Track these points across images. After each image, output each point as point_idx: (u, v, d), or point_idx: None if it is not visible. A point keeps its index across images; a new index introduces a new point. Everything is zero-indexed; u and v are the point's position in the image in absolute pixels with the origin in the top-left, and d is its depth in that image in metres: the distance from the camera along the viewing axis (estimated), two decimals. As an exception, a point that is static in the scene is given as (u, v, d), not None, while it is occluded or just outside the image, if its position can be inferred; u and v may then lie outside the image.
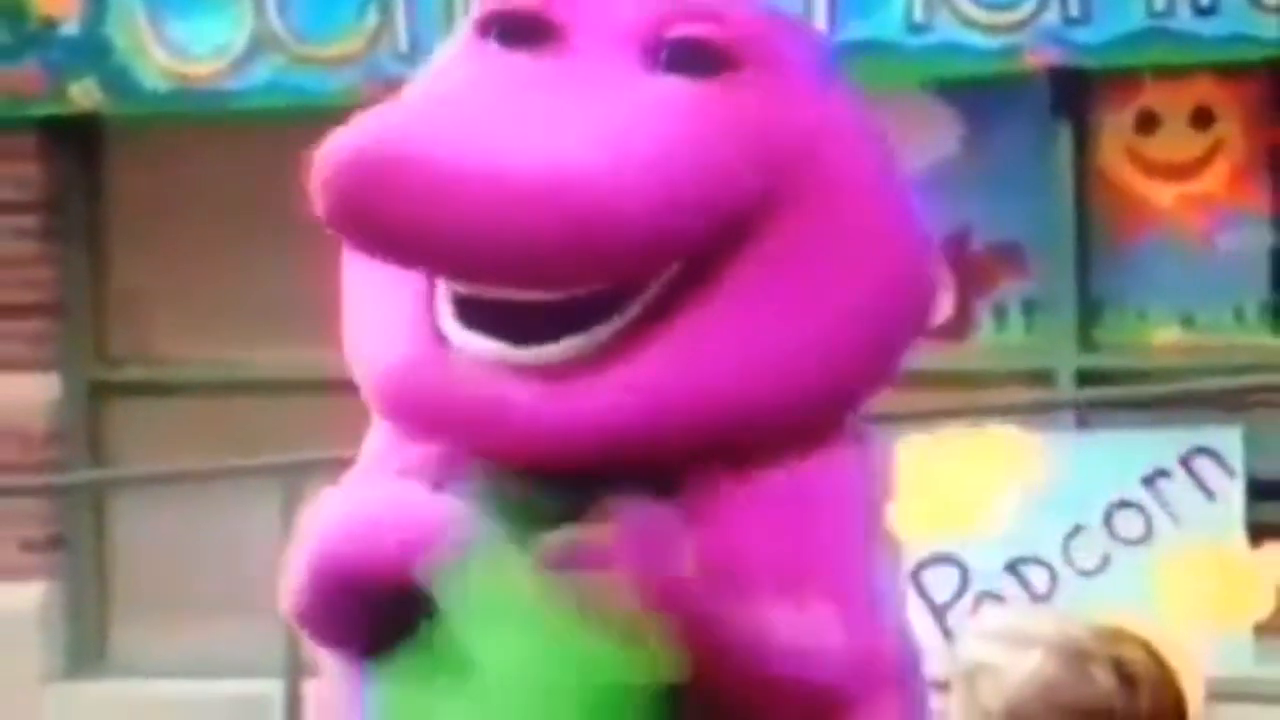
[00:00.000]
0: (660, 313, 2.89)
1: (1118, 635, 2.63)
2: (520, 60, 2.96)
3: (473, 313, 2.89)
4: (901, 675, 3.11)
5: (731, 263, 2.90)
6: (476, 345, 2.89)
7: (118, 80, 7.17)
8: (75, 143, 7.37)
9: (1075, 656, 2.56)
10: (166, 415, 7.29)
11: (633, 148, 2.82)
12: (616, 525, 2.81)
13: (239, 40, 7.07)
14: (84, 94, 7.21)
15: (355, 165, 2.76)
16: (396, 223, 2.77)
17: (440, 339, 2.92)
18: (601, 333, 2.87)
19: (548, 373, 2.87)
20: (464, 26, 3.11)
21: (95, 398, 7.41)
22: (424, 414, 2.97)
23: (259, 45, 7.05)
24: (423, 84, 3.03)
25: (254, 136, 6.83)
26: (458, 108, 2.90)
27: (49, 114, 7.26)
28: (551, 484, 2.92)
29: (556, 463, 2.88)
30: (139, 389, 7.41)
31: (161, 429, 7.27)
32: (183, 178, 7.25)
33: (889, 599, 3.14)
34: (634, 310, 2.88)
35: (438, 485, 2.99)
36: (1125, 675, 2.54)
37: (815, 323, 2.92)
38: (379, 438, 3.11)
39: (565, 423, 2.87)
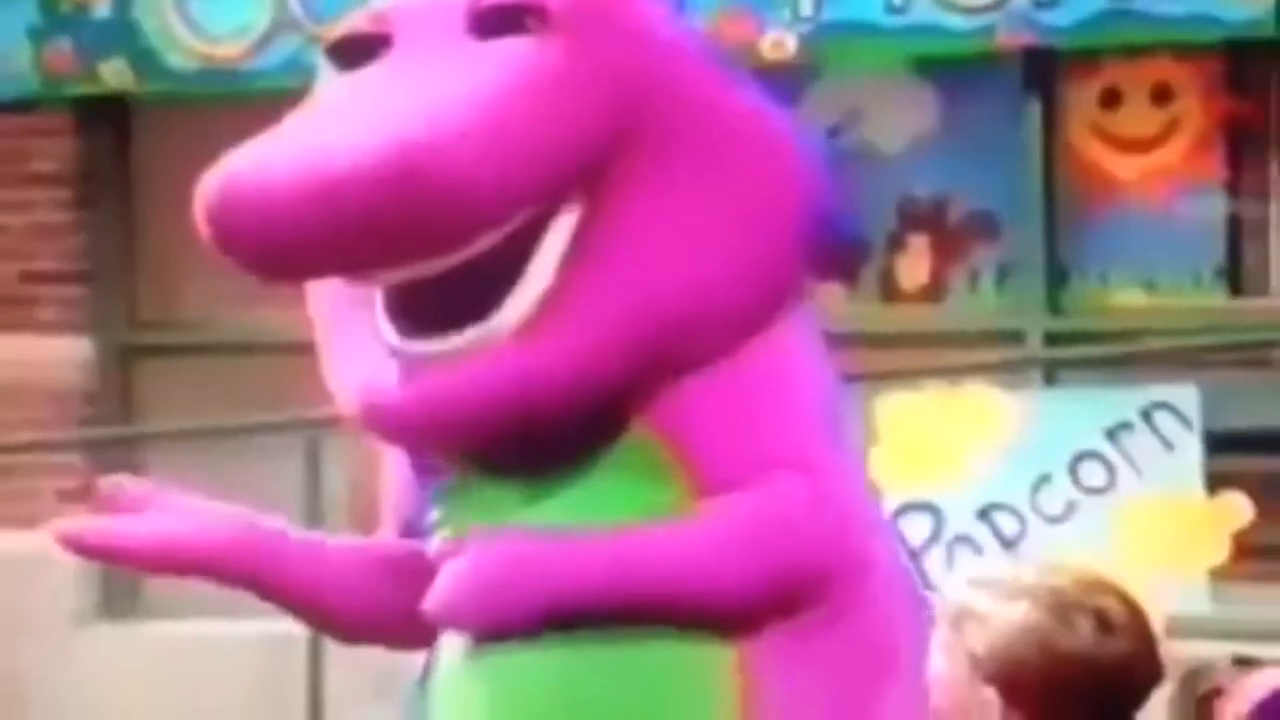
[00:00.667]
0: (563, 267, 2.89)
1: (1098, 586, 2.65)
2: (360, 73, 2.99)
3: (402, 312, 2.92)
4: (880, 528, 3.16)
5: (608, 203, 2.91)
6: (408, 348, 2.92)
7: (146, 61, 7.20)
8: (106, 120, 7.40)
9: (1059, 606, 2.57)
10: (193, 375, 7.32)
11: (445, 113, 2.80)
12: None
13: (259, 22, 7.09)
14: (114, 74, 7.24)
15: (212, 198, 2.89)
16: (249, 240, 2.85)
17: (391, 352, 2.95)
18: (517, 301, 2.88)
19: (468, 356, 2.88)
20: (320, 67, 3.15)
21: (126, 359, 7.44)
22: (391, 428, 3.00)
23: (278, 27, 7.07)
24: (288, 121, 3.03)
25: (273, 113, 6.82)
26: (294, 128, 2.94)
27: (81, 93, 7.29)
28: (511, 473, 2.96)
29: (516, 427, 2.88)
30: (167, 350, 7.44)
31: (188, 388, 7.31)
32: (207, 152, 7.18)
33: (852, 460, 3.18)
34: (535, 275, 2.88)
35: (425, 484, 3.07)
36: (1105, 623, 2.56)
37: (702, 236, 2.93)
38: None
39: (495, 397, 2.87)
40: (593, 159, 2.88)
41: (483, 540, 2.88)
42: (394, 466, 3.19)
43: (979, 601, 2.63)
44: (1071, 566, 2.80)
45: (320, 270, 2.92)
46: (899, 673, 2.72)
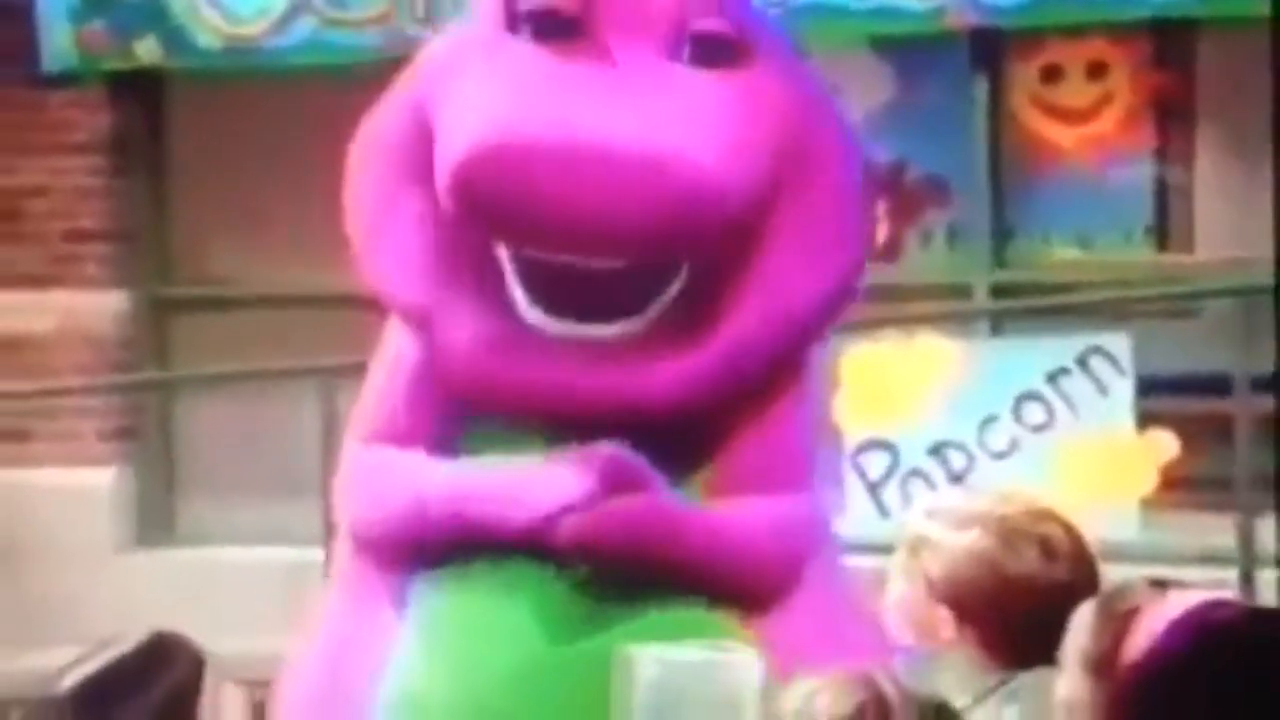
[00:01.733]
0: (705, 286, 2.89)
1: (1043, 515, 2.67)
2: (560, 54, 2.90)
3: (540, 290, 2.87)
4: (831, 540, 3.21)
5: (756, 234, 2.90)
6: (552, 324, 2.87)
7: (175, 39, 7.15)
8: (139, 93, 7.36)
9: (1006, 534, 2.59)
10: (220, 325, 7.30)
11: (715, 134, 2.80)
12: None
13: (279, 5, 7.04)
14: (146, 51, 7.20)
15: (477, 161, 2.73)
16: (531, 207, 2.73)
17: (513, 317, 2.89)
18: (656, 306, 2.88)
19: (612, 346, 2.88)
20: (481, 18, 3.04)
21: (158, 311, 7.42)
22: (495, 385, 2.92)
23: (296, 9, 7.02)
24: (483, 80, 2.90)
25: (292, 87, 6.84)
26: (547, 100, 2.82)
27: (116, 68, 7.24)
28: (561, 435, 2.92)
29: (624, 427, 2.87)
30: (196, 303, 7.42)
31: (216, 337, 7.29)
32: (232, 122, 7.25)
33: (824, 477, 3.26)
34: (679, 286, 2.89)
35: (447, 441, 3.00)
36: (1048, 550, 2.58)
37: (822, 269, 2.97)
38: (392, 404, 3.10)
39: (637, 387, 2.87)
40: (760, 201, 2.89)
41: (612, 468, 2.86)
42: (399, 377, 3.12)
43: (933, 530, 2.65)
44: (1018, 497, 2.82)
45: (573, 244, 2.81)
46: (848, 646, 2.75)
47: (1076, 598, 2.48)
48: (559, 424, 2.89)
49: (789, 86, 2.99)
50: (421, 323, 3.01)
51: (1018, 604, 2.55)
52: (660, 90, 2.86)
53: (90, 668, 2.68)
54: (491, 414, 2.96)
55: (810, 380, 3.12)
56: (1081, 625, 2.15)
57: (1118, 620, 2.05)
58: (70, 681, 2.67)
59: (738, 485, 2.96)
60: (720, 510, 2.96)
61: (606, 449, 2.87)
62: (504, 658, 2.89)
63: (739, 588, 2.91)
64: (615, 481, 2.85)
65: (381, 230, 3.04)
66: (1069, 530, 2.66)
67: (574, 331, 2.87)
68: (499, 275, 2.91)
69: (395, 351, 3.14)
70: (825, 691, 2.08)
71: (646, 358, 2.86)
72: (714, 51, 2.92)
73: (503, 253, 2.90)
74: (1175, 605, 2.00)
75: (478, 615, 2.94)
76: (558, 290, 2.86)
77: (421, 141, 2.96)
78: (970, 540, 2.60)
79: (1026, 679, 2.52)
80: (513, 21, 2.98)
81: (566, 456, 2.88)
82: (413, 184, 2.97)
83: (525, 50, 2.95)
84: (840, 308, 3.09)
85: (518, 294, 2.89)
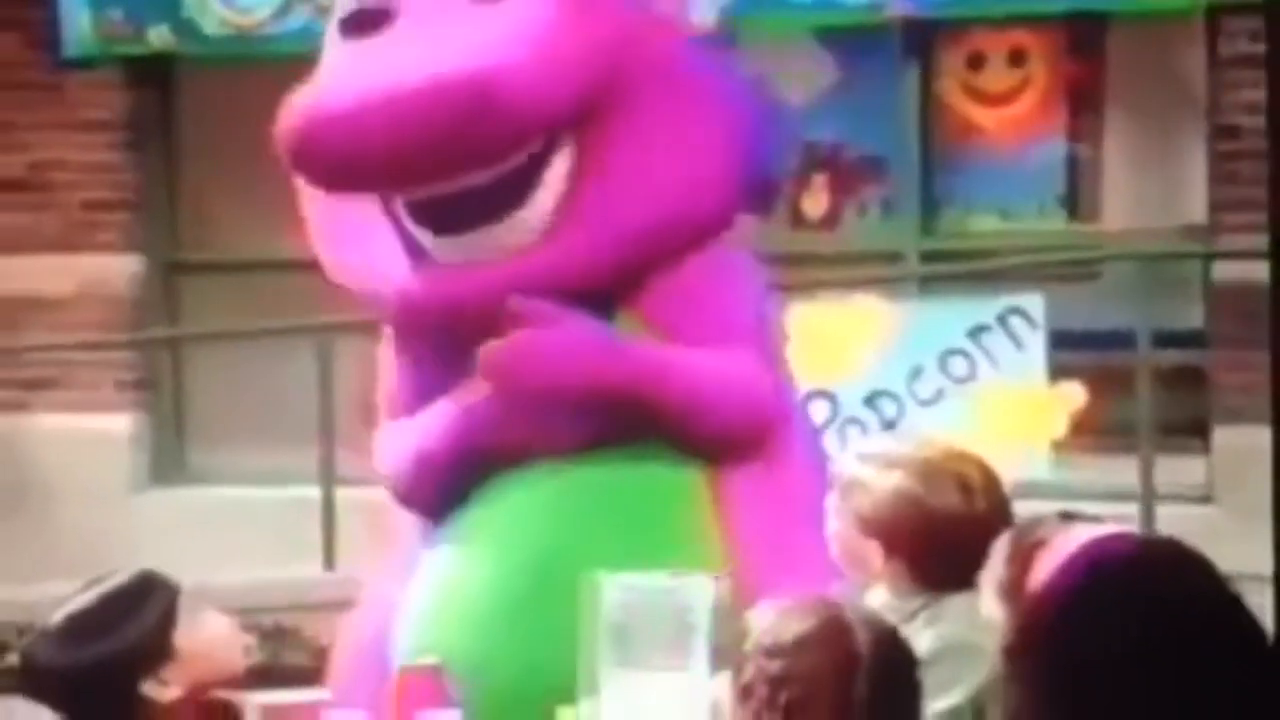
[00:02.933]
0: (567, 186, 2.95)
1: (960, 456, 2.68)
2: (377, 35, 2.98)
3: (432, 220, 2.94)
4: (797, 401, 3.26)
5: (605, 135, 2.96)
6: (447, 247, 2.94)
7: (185, 27, 7.12)
8: (152, 76, 7.33)
9: (928, 474, 2.60)
10: (225, 288, 7.28)
11: (498, 50, 2.85)
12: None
13: (277, -6, 7.07)
14: (158, 38, 7.17)
15: (302, 128, 2.86)
16: (351, 155, 2.83)
17: (418, 252, 2.96)
18: (532, 208, 2.93)
19: (503, 248, 2.93)
20: (329, 42, 3.13)
21: (169, 274, 7.39)
22: (423, 313, 2.99)
23: (293, 1, 7.01)
24: (320, 76, 3.03)
25: (290, 71, 6.77)
26: (348, 74, 2.95)
27: (131, 53, 7.21)
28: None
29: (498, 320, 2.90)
30: (203, 267, 7.39)
31: (221, 298, 7.28)
32: (236, 103, 7.20)
33: (789, 373, 3.28)
34: (546, 188, 2.94)
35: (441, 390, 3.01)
36: (965, 487, 2.58)
37: (675, 164, 3.00)
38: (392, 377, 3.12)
39: (534, 277, 2.91)
40: (589, 102, 2.93)
41: (547, 318, 2.90)
42: (392, 365, 3.18)
43: (863, 473, 2.67)
44: (938, 442, 2.85)
45: (389, 179, 2.91)
46: (815, 519, 2.77)
47: (992, 529, 2.52)
48: (471, 327, 2.93)
49: (611, 9, 3.04)
50: (359, 285, 3.11)
51: (940, 536, 2.56)
52: (458, 28, 2.92)
53: (79, 602, 2.69)
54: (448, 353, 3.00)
55: (737, 263, 3.14)
56: (996, 554, 2.18)
57: (1026, 550, 2.08)
58: (59, 615, 2.68)
59: (672, 338, 3.01)
60: (681, 353, 2.99)
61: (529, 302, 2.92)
62: (493, 565, 2.93)
63: (690, 424, 2.92)
64: (538, 319, 2.91)
65: (318, 226, 3.15)
66: (984, 469, 2.67)
67: (458, 245, 2.94)
68: (400, 223, 3.00)
69: (387, 344, 3.21)
70: (788, 613, 2.08)
71: (535, 250, 2.93)
72: None
73: (396, 204, 2.99)
74: (1077, 536, 2.03)
75: (469, 541, 2.98)
76: (441, 215, 2.94)
77: None
78: (896, 481, 2.62)
79: (947, 603, 2.54)
80: (341, 29, 3.10)
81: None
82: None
83: (347, 45, 3.06)
84: (711, 193, 3.07)
85: (413, 230, 2.97)
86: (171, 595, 2.72)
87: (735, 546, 2.93)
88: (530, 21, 2.92)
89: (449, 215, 2.93)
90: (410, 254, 3.00)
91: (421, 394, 3.08)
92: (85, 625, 2.67)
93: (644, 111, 2.98)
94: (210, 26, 7.11)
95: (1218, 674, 1.86)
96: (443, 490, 3.02)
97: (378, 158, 2.83)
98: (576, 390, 2.91)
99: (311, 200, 3.14)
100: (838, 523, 2.67)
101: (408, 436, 3.08)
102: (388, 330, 3.21)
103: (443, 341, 3.04)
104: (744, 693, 2.05)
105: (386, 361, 3.20)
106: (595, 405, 2.92)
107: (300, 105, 2.89)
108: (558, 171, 2.95)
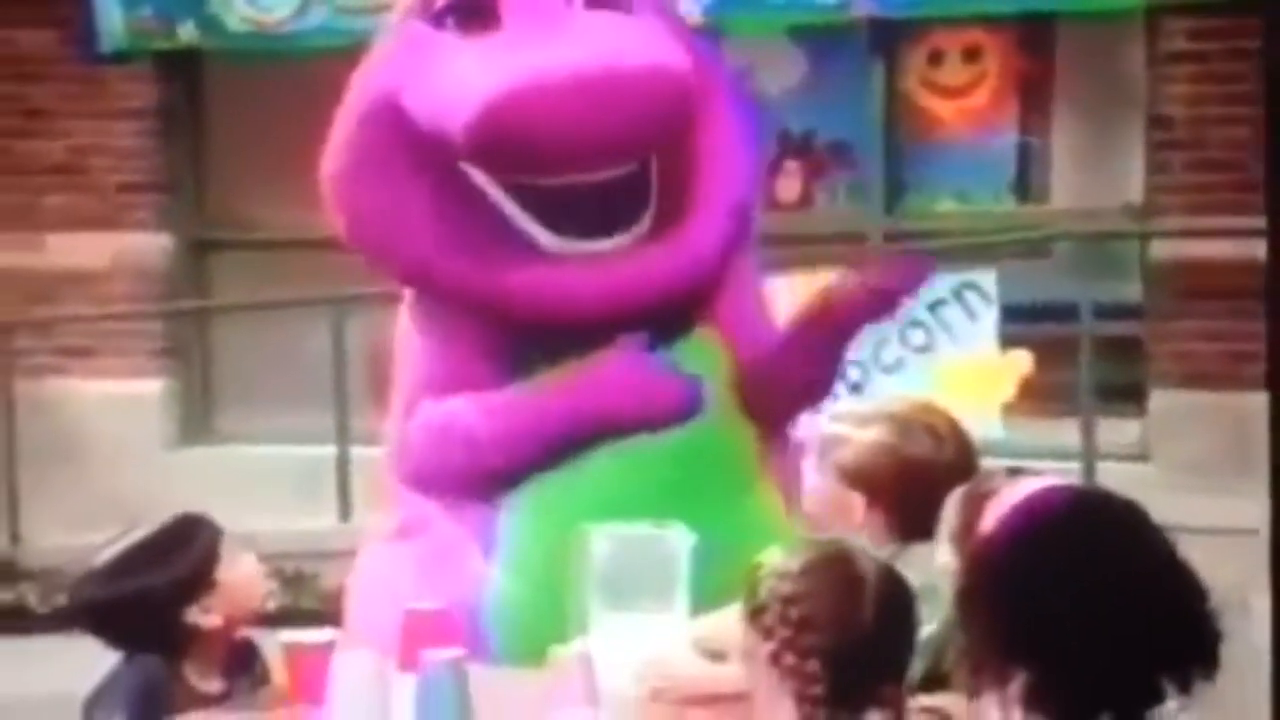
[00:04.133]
0: (673, 189, 2.90)
1: (929, 408, 2.67)
2: (487, 33, 2.87)
3: (548, 218, 2.84)
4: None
5: (682, 150, 2.91)
6: (565, 245, 2.86)
7: (211, 23, 7.09)
8: (181, 69, 7.30)
9: (902, 425, 2.58)
10: (249, 263, 7.26)
11: (669, 52, 2.81)
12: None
13: (297, -6, 7.04)
14: (186, 34, 7.13)
15: (502, 107, 2.68)
16: (554, 132, 2.70)
17: (517, 245, 2.84)
18: (645, 219, 2.90)
19: (618, 254, 2.88)
20: (404, 14, 2.99)
21: (197, 251, 7.38)
22: (514, 306, 2.87)
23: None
24: (453, 62, 2.84)
25: (309, 64, 6.78)
26: (521, 55, 2.77)
27: (161, 48, 7.18)
28: (576, 345, 2.88)
29: (635, 317, 2.86)
30: (228, 244, 7.38)
31: (245, 272, 7.26)
32: (259, 93, 7.20)
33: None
34: (653, 199, 2.90)
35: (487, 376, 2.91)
36: (936, 435, 2.57)
37: (734, 176, 2.99)
38: (420, 356, 3.01)
39: (641, 285, 2.86)
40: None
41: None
42: (422, 349, 3.06)
43: (842, 429, 2.66)
44: (904, 398, 2.86)
45: (593, 155, 2.79)
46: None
47: (962, 475, 2.50)
48: (575, 327, 2.86)
49: (669, 22, 3.02)
50: (424, 275, 2.98)
51: (916, 482, 2.53)
52: (602, 25, 2.85)
53: (125, 542, 2.71)
54: (524, 343, 2.92)
55: (753, 260, 3.19)
56: (949, 504, 2.19)
57: (976, 500, 2.09)
58: (109, 552, 2.70)
59: (733, 345, 3.02)
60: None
61: (630, 340, 2.89)
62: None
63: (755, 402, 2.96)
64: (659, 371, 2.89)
65: (376, 214, 2.99)
66: (951, 420, 2.66)
67: (577, 248, 2.86)
68: (493, 213, 2.87)
69: (408, 329, 3.10)
70: (796, 544, 2.07)
71: (637, 260, 2.87)
72: None
73: (497, 193, 2.86)
74: (1021, 488, 2.04)
75: (554, 516, 2.87)
76: (560, 213, 2.85)
77: (396, 126, 2.92)
78: (874, 434, 2.60)
79: (911, 551, 2.52)
80: (434, 17, 2.96)
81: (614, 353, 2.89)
82: (392, 163, 2.93)
83: (455, 40, 2.92)
84: (752, 197, 3.11)
85: (523, 222, 2.86)
86: (215, 534, 2.75)
87: (782, 488, 2.96)
88: (666, 30, 2.89)
89: (563, 215, 2.84)
90: (502, 242, 2.87)
91: (456, 380, 2.96)
92: (134, 560, 2.70)
93: (704, 120, 2.92)
94: (234, 23, 7.08)
95: (1146, 607, 1.89)
96: (538, 464, 2.90)
97: (590, 132, 2.71)
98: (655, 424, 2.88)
99: (370, 190, 2.97)
100: (818, 479, 2.64)
101: (451, 416, 2.95)
102: (419, 317, 3.06)
103: (493, 335, 2.93)
104: (754, 614, 2.04)
105: (414, 346, 3.06)
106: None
107: (484, 96, 2.70)
108: (655, 183, 2.92)
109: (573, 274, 2.85)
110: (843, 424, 2.67)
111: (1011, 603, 1.88)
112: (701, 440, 2.91)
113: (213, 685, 2.69)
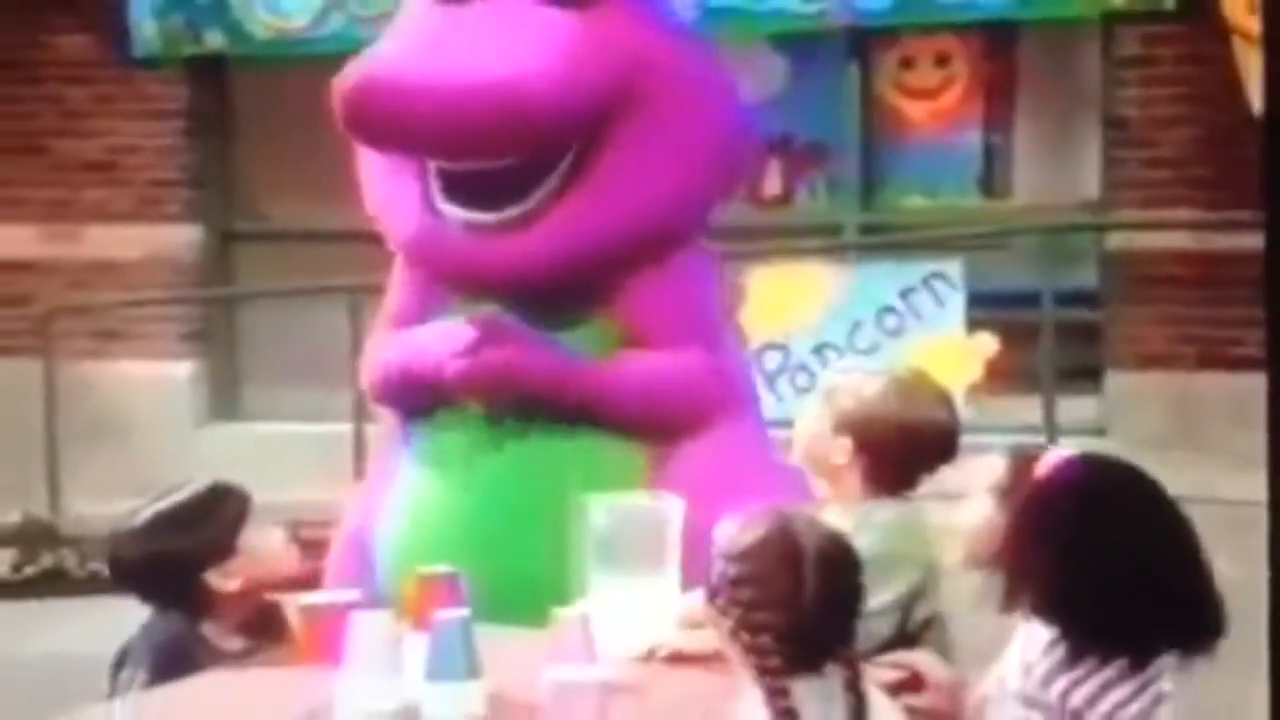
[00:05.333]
0: (570, 182, 2.85)
1: (928, 376, 2.66)
2: (455, 9, 2.88)
3: (453, 188, 2.87)
4: (752, 393, 3.16)
5: (614, 140, 2.85)
6: (455, 213, 2.87)
7: (236, 31, 7.08)
8: (208, 73, 7.28)
9: (907, 384, 2.57)
10: (272, 253, 7.25)
11: (537, 60, 2.77)
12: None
13: (317, 3, 6.97)
14: (214, 40, 7.12)
15: (359, 89, 2.72)
16: (391, 125, 2.73)
17: (435, 211, 2.90)
18: (534, 198, 2.85)
19: (503, 228, 2.85)
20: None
21: (225, 241, 7.37)
22: (429, 264, 2.96)
23: (330, 7, 6.96)
24: (395, 32, 2.93)
25: (327, 69, 6.73)
26: (419, 46, 2.82)
27: (190, 53, 7.16)
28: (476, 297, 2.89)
29: (515, 288, 2.86)
30: (253, 236, 7.37)
31: (269, 262, 7.24)
32: (281, 95, 7.17)
33: (735, 347, 3.19)
34: (553, 182, 2.85)
35: (425, 317, 2.96)
36: (939, 399, 2.56)
37: (672, 172, 2.89)
38: (394, 292, 3.08)
39: (520, 259, 2.84)
40: (613, 106, 2.84)
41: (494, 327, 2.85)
42: (401, 283, 3.09)
43: (849, 379, 2.62)
44: (910, 366, 2.87)
45: (431, 148, 2.80)
46: (753, 487, 2.66)
47: (947, 444, 2.52)
48: (471, 289, 2.90)
49: (636, 22, 2.93)
50: (382, 225, 3.04)
51: (905, 439, 2.50)
52: (514, 29, 2.83)
53: (158, 505, 2.70)
54: (444, 292, 2.96)
55: (702, 264, 3.03)
56: (991, 466, 2.22)
57: (1022, 462, 2.13)
58: (142, 515, 2.69)
59: (639, 337, 2.90)
60: (613, 360, 2.89)
61: (485, 311, 2.87)
62: (460, 495, 2.89)
63: (630, 423, 2.83)
64: (489, 335, 2.84)
65: (365, 168, 3.07)
66: (946, 392, 2.64)
67: (473, 217, 2.86)
68: (428, 182, 2.92)
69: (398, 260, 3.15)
70: (745, 524, 2.04)
71: (527, 234, 2.85)
72: None
73: (432, 166, 2.90)
74: (1057, 454, 2.14)
75: (440, 468, 2.93)
76: (460, 187, 2.86)
77: None
78: (881, 383, 2.56)
79: (875, 511, 2.49)
80: None
81: (464, 319, 2.89)
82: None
83: (431, 9, 2.93)
84: (700, 204, 2.99)
85: (435, 193, 2.90)
86: (243, 503, 2.73)
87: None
88: (563, 35, 2.83)
89: (467, 190, 2.86)
90: (426, 207, 2.92)
91: (419, 317, 3.03)
92: (164, 522, 2.68)
93: (648, 117, 2.87)
94: (258, 31, 7.07)
95: (1174, 566, 2.03)
96: (410, 403, 2.97)
97: (421, 131, 2.72)
98: (530, 391, 2.83)
99: (364, 155, 3.04)
100: (811, 424, 2.58)
101: (396, 347, 3.01)
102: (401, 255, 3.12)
103: (438, 282, 2.99)
104: (711, 594, 2.05)
105: (396, 278, 3.12)
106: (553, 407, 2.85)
107: (362, 67, 2.75)
108: (562, 168, 2.86)
109: (461, 238, 2.88)
110: (849, 375, 2.66)
111: (1064, 544, 1.96)
112: (584, 446, 2.85)
113: (233, 644, 2.66)
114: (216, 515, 2.69)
